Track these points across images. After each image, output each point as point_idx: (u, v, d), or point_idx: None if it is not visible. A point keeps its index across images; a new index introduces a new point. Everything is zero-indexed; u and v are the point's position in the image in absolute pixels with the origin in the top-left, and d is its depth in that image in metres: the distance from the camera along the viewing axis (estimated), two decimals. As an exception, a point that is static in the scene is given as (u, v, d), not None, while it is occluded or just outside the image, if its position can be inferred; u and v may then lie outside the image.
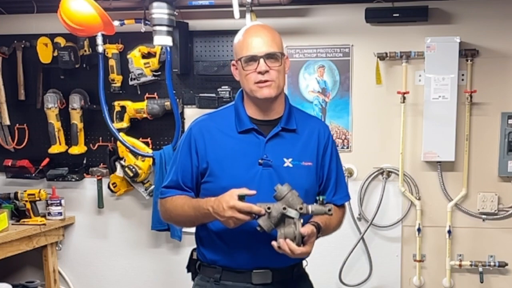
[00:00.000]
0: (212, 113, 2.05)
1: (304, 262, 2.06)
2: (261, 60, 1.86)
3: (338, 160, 2.08)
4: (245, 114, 1.96)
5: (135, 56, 3.38)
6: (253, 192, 1.77)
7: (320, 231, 1.85)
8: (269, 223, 1.75)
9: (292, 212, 1.75)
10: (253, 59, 1.87)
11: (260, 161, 1.90)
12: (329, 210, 1.79)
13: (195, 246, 2.07)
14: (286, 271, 1.97)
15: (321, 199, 1.81)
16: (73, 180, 3.60)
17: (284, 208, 1.74)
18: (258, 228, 1.76)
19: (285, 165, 1.92)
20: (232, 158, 1.91)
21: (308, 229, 1.77)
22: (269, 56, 1.87)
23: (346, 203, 2.16)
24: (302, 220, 1.78)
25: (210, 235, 1.95)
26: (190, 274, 2.10)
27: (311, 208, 1.79)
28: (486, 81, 3.21)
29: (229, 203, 1.74)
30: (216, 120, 2.00)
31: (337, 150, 2.11)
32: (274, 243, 1.76)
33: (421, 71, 3.23)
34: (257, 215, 1.76)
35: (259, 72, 1.86)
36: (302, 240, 1.76)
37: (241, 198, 1.75)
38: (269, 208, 1.75)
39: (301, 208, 1.75)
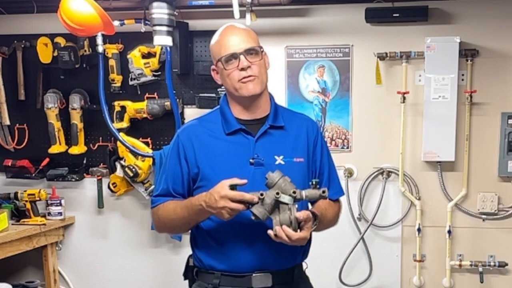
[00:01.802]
0: (198, 118, 2.04)
1: (304, 265, 2.04)
2: (242, 57, 1.85)
3: (329, 155, 2.07)
4: (231, 115, 1.94)
5: (135, 56, 3.37)
6: (244, 181, 1.76)
7: (317, 219, 1.83)
8: (263, 210, 1.72)
9: (285, 198, 1.72)
10: (233, 56, 1.86)
11: (251, 160, 1.89)
12: (323, 192, 1.76)
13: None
14: (286, 273, 1.94)
15: (314, 183, 1.78)
16: (73, 180, 3.60)
17: (277, 194, 1.71)
18: (253, 217, 1.73)
19: (277, 162, 1.91)
20: (223, 161, 1.89)
21: (303, 213, 1.74)
22: (249, 52, 1.86)
23: (345, 202, 2.14)
24: (297, 206, 1.74)
25: (204, 235, 1.92)
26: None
27: (304, 193, 1.76)
28: (486, 81, 3.21)
29: (220, 193, 1.73)
30: (203, 124, 1.98)
31: (327, 145, 2.10)
32: (270, 231, 1.73)
33: (421, 71, 3.23)
34: (251, 204, 1.73)
35: (242, 69, 1.85)
36: (298, 226, 1.73)
37: (233, 188, 1.74)
38: (262, 195, 1.71)
39: (294, 193, 1.72)
